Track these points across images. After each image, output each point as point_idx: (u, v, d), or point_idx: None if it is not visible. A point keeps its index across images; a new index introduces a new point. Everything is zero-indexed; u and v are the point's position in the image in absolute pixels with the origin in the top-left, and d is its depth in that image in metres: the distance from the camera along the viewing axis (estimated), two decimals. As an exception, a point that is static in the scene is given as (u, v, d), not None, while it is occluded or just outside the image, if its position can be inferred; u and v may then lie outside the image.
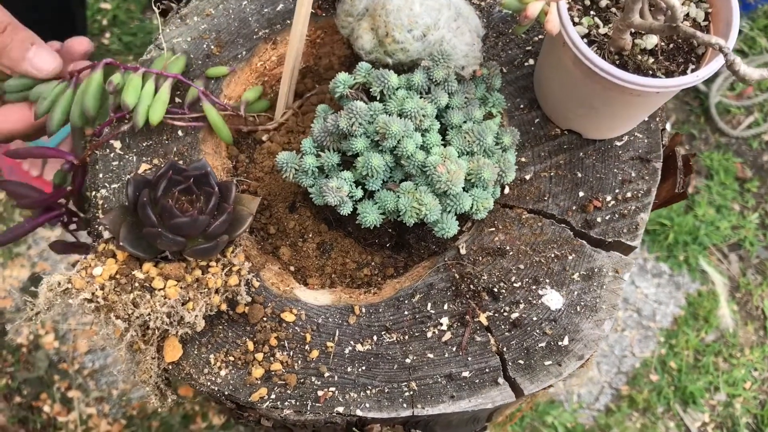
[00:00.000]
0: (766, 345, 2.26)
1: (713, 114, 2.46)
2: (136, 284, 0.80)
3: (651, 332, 2.28)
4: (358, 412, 0.86)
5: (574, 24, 0.87)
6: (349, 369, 0.88)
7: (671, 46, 0.88)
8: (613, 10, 0.89)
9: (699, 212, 2.36)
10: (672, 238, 2.33)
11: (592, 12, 0.89)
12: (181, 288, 0.81)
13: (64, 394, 2.15)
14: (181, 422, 2.14)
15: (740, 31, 2.49)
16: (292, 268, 0.96)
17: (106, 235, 0.84)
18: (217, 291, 0.83)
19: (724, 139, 2.48)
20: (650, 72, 0.85)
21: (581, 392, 2.23)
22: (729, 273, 2.34)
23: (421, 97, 0.89)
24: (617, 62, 0.86)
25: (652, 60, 0.86)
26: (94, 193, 0.94)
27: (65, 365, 2.18)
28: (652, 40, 0.86)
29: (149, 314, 0.79)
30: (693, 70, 0.85)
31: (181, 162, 0.94)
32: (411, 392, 0.87)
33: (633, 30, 0.84)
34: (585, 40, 0.87)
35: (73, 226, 1.01)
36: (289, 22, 1.03)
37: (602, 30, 0.87)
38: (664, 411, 2.20)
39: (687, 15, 0.88)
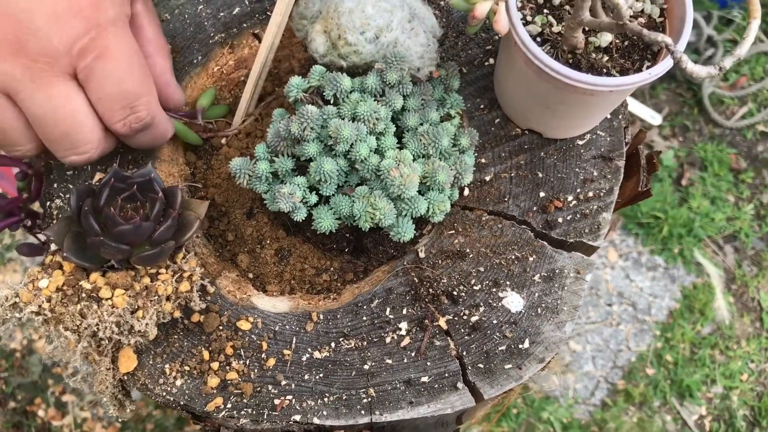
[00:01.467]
0: (763, 337, 2.25)
1: (707, 105, 2.45)
2: (83, 295, 0.79)
3: (646, 326, 2.27)
4: (316, 420, 0.85)
5: (527, 23, 0.86)
6: (306, 377, 0.87)
7: (626, 43, 0.86)
8: (567, 8, 0.87)
9: (693, 204, 2.35)
10: (666, 230, 2.32)
11: (545, 10, 0.87)
12: (129, 296, 0.80)
13: (58, 399, 2.16)
14: (175, 424, 2.14)
15: (732, 21, 2.47)
16: (250, 275, 0.95)
17: (53, 246, 0.84)
18: (168, 298, 0.82)
19: (718, 130, 2.46)
20: (604, 70, 0.84)
21: (577, 387, 2.22)
22: (724, 265, 2.33)
23: (375, 100, 0.88)
24: (570, 61, 0.84)
25: (607, 58, 0.85)
26: (48, 203, 0.93)
27: (59, 369, 2.19)
28: (606, 38, 0.85)
29: (97, 324, 0.79)
30: (648, 67, 0.84)
31: (135, 170, 0.93)
32: (369, 399, 0.86)
33: (585, 28, 0.83)
34: (539, 39, 0.85)
35: (36, 230, 1.01)
36: (245, 25, 1.02)
37: (556, 28, 0.86)
38: (660, 405, 2.19)
39: (642, 11, 0.87)
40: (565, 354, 2.25)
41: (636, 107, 2.42)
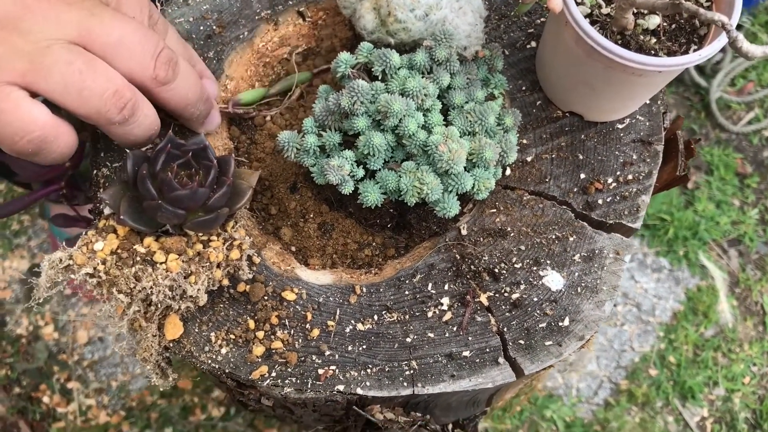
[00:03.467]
0: (765, 340, 2.26)
1: (714, 110, 2.46)
2: (138, 258, 0.80)
3: (650, 327, 2.28)
4: (359, 391, 0.86)
5: (577, 4, 0.87)
6: (349, 348, 0.88)
7: (673, 26, 0.88)
8: (616, -10, 0.89)
9: (699, 207, 2.36)
10: (672, 233, 2.33)
11: (594, -8, 0.89)
12: (182, 262, 0.81)
13: (63, 385, 2.15)
14: (180, 413, 2.14)
15: (741, 26, 2.50)
16: (293, 249, 0.96)
17: (107, 211, 0.84)
18: (218, 265, 0.83)
19: (725, 135, 2.48)
20: (652, 52, 0.85)
21: (580, 386, 2.23)
22: (728, 268, 2.34)
23: (423, 77, 0.89)
24: (619, 42, 0.86)
25: (654, 40, 0.86)
26: (95, 171, 0.94)
27: (65, 356, 2.18)
28: (654, 21, 0.87)
29: (151, 287, 0.79)
30: (695, 50, 0.86)
31: (181, 140, 0.94)
32: (411, 371, 0.87)
33: (635, 9, 0.84)
34: (587, 20, 0.87)
35: (74, 201, 1.01)
36: (291, 3, 1.03)
37: (605, 10, 0.87)
38: (663, 405, 2.20)
39: (689, -5, 0.88)
40: (569, 353, 2.26)
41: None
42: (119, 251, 0.80)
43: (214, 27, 1.02)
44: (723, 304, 2.30)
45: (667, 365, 2.24)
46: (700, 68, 2.51)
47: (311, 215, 0.97)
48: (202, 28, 1.02)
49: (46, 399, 2.14)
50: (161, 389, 1.99)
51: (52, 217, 1.04)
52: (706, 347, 2.25)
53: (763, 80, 2.51)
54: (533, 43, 1.01)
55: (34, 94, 0.75)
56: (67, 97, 0.75)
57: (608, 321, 2.29)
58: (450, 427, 1.13)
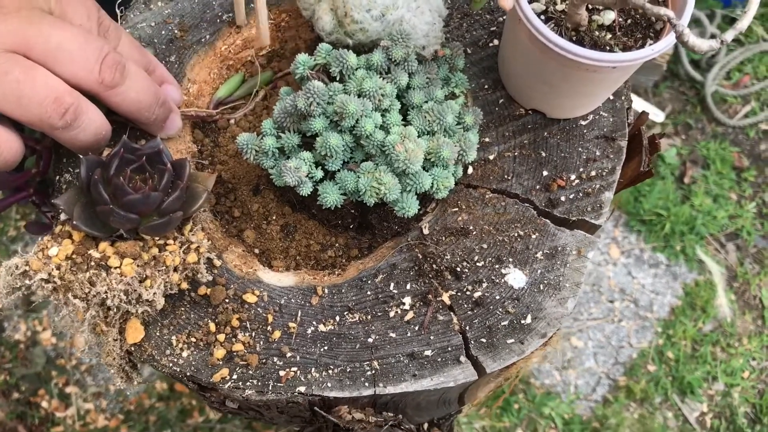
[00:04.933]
0: (764, 334, 2.25)
1: (710, 103, 2.46)
2: (92, 263, 0.80)
3: (648, 323, 2.28)
4: (320, 392, 0.86)
5: (531, 1, 0.87)
6: (311, 349, 0.88)
7: (629, 21, 0.87)
8: (570, -14, 0.89)
9: (696, 202, 2.36)
10: (669, 228, 2.32)
11: (549, -11, 0.89)
12: (137, 266, 0.81)
13: (61, 390, 2.17)
14: (177, 416, 2.15)
15: (735, 20, 2.48)
16: (256, 251, 0.96)
17: (63, 216, 0.85)
18: (175, 269, 0.83)
19: (721, 129, 2.47)
20: (607, 48, 0.85)
21: (578, 383, 2.22)
22: (726, 262, 2.34)
23: (381, 77, 0.89)
24: (574, 38, 0.85)
25: (610, 36, 0.86)
26: (58, 177, 0.94)
27: (63, 361, 2.20)
28: (609, 16, 0.86)
29: (106, 292, 0.80)
30: (651, 45, 0.85)
31: (143, 141, 0.94)
32: (373, 371, 0.87)
33: (589, 6, 0.84)
34: (542, 17, 0.87)
35: (44, 207, 1.02)
36: (252, 6, 1.04)
37: (559, 6, 0.87)
38: (661, 401, 2.20)
39: (645, -10, 0.88)
40: (566, 350, 2.26)
41: (639, 104, 2.44)
42: (74, 256, 0.81)
43: (176, 31, 1.02)
44: (721, 298, 2.30)
45: (665, 361, 2.24)
46: (695, 62, 2.50)
47: (274, 217, 0.97)
48: (164, 32, 1.02)
49: (44, 404, 2.15)
50: (151, 391, 1.99)
51: (27, 224, 1.04)
52: (704, 342, 2.25)
53: (758, 73, 2.50)
54: (496, 41, 1.01)
55: None
56: (7, 106, 0.76)
57: (606, 318, 2.28)
58: (425, 426, 1.13)
